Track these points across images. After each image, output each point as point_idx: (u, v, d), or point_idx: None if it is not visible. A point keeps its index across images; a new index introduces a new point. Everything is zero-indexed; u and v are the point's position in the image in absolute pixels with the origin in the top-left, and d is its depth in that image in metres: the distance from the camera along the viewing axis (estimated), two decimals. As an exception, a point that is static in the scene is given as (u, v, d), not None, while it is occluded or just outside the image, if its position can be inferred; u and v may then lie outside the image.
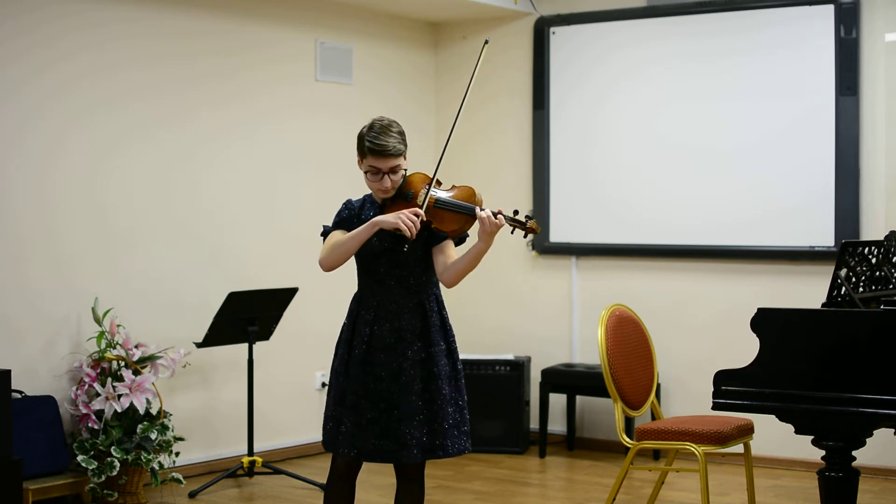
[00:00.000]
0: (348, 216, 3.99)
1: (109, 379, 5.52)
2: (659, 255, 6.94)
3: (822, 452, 4.09)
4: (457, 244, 3.97)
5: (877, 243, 4.51)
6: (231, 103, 6.55)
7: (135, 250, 6.08)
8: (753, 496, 5.00)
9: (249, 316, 6.09)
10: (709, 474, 4.78)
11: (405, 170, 3.94)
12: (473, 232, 3.86)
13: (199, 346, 6.02)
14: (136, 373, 5.62)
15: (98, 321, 5.67)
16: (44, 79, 5.72)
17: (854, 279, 4.32)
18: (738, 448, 4.94)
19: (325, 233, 4.00)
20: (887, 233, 4.62)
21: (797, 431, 4.10)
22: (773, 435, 5.44)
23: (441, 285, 4.02)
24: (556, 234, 7.28)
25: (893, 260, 4.60)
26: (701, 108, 6.79)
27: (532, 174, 7.37)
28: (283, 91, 6.83)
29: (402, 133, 3.93)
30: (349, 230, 3.91)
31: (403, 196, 3.91)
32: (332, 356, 4.03)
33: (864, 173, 6.35)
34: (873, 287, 4.45)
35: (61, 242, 5.78)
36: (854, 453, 4.09)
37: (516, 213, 3.83)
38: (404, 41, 7.57)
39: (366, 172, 3.90)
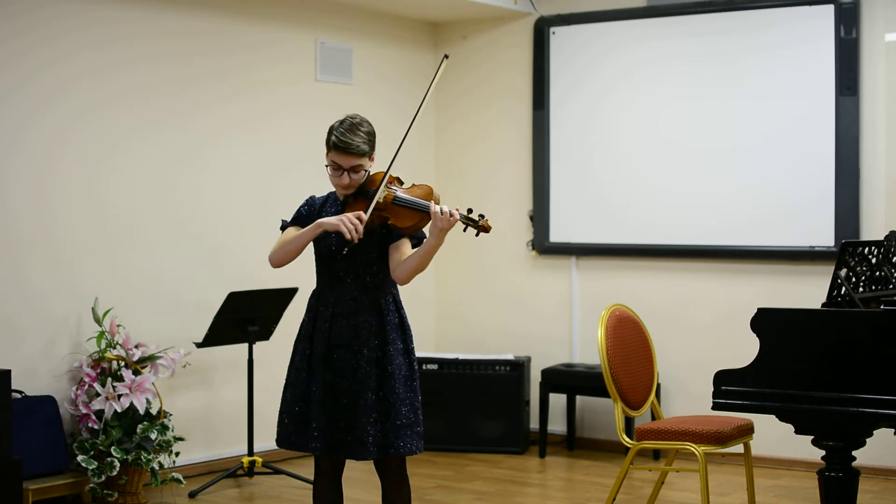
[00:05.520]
0: (307, 213, 4.04)
1: (109, 379, 5.53)
2: (659, 255, 6.94)
3: (822, 452, 4.09)
4: (414, 245, 3.97)
5: (877, 243, 4.51)
6: (231, 103, 6.55)
7: (135, 250, 6.08)
8: (753, 496, 5.00)
9: (249, 316, 6.09)
10: (709, 474, 4.78)
11: (367, 171, 3.95)
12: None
13: (199, 346, 6.02)
14: (136, 373, 5.62)
15: (98, 321, 5.67)
16: (44, 79, 5.72)
17: (854, 279, 4.32)
18: (738, 448, 4.94)
19: (283, 226, 4.06)
20: (887, 233, 4.62)
21: (797, 431, 4.10)
22: (773, 435, 5.45)
23: (398, 285, 4.04)
24: (556, 234, 7.28)
25: (893, 260, 4.60)
26: (701, 108, 6.79)
27: (532, 174, 7.37)
28: (283, 91, 6.83)
29: (370, 134, 3.96)
30: (304, 227, 3.97)
31: (364, 193, 3.94)
32: (292, 353, 4.06)
33: (864, 173, 6.35)
34: (873, 287, 4.45)
35: (61, 242, 5.78)
36: (854, 453, 4.09)
37: (470, 211, 3.84)
38: (404, 41, 7.57)
39: (327, 166, 3.94)
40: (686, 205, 6.83)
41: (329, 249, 3.94)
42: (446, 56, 4.04)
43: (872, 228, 6.29)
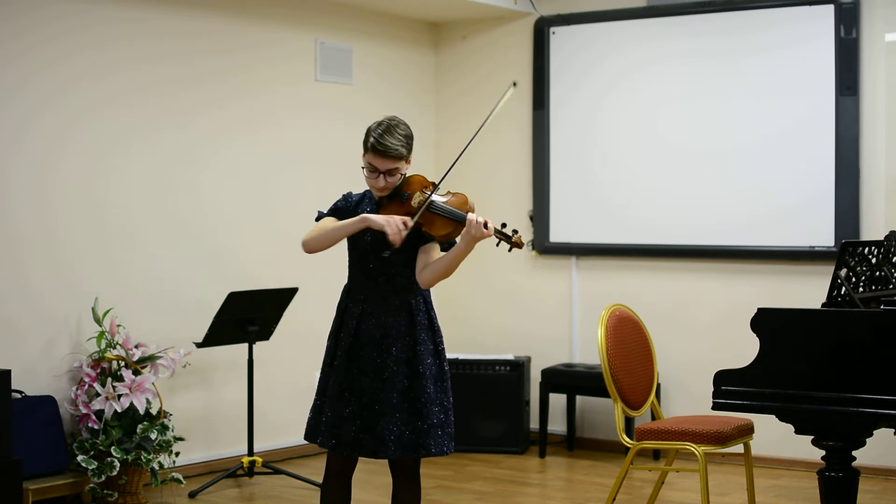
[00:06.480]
0: (343, 206, 4.01)
1: (109, 379, 5.53)
2: (659, 255, 6.94)
3: (822, 452, 4.09)
4: (444, 249, 3.97)
5: (877, 243, 4.51)
6: (231, 103, 6.55)
7: (135, 250, 6.08)
8: (753, 496, 5.00)
9: (249, 316, 6.09)
10: (709, 474, 4.78)
11: (403, 174, 3.95)
12: None
13: (199, 346, 6.02)
14: (136, 373, 5.62)
15: (98, 321, 5.67)
16: (44, 79, 5.72)
17: (854, 279, 4.32)
18: (738, 448, 4.94)
19: (319, 217, 4.03)
20: (887, 233, 4.62)
21: (797, 431, 4.10)
22: (773, 435, 5.44)
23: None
24: (556, 234, 7.28)
25: (893, 260, 4.60)
26: (701, 108, 6.79)
27: (532, 174, 7.37)
28: (283, 91, 6.83)
29: (408, 137, 3.95)
30: (341, 219, 3.94)
31: (399, 196, 3.93)
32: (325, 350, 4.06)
33: (864, 173, 6.35)
34: (873, 287, 4.45)
35: (61, 242, 5.78)
36: (854, 453, 4.09)
37: (504, 226, 3.85)
38: (404, 41, 7.57)
39: (363, 167, 3.92)
40: (686, 205, 6.83)
41: (365, 245, 3.92)
42: (514, 84, 4.05)
43: (872, 228, 6.29)
